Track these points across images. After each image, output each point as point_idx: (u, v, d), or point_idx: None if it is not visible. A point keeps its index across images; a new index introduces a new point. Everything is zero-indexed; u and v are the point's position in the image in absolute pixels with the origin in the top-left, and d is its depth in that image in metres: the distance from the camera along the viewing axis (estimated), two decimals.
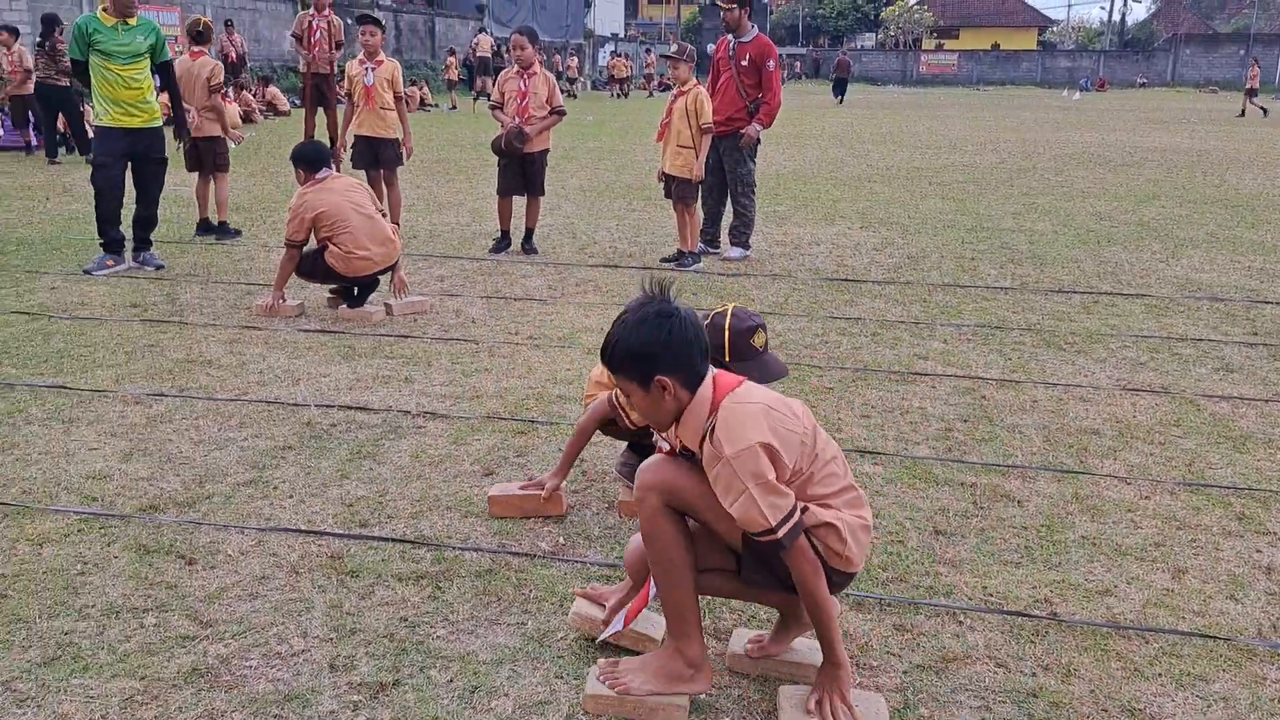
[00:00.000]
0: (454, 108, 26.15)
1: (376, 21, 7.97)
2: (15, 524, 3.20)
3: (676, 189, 7.22)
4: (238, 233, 8.23)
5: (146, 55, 6.78)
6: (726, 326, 2.83)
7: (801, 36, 70.30)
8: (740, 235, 7.77)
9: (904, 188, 12.01)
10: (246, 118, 19.11)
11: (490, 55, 29.61)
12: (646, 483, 2.27)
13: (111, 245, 6.94)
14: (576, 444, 3.30)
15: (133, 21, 6.70)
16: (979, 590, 2.93)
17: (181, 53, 8.28)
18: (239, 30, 22.60)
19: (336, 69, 10.37)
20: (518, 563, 3.01)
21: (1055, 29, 78.54)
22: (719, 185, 7.76)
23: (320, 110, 11.68)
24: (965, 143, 18.60)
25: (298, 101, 22.83)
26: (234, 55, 20.82)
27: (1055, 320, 5.96)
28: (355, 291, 5.88)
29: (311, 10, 9.93)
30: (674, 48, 7.30)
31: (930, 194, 11.47)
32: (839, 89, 34.41)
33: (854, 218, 9.75)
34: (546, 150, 7.77)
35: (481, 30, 33.01)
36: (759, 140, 7.62)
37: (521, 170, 7.61)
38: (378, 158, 7.99)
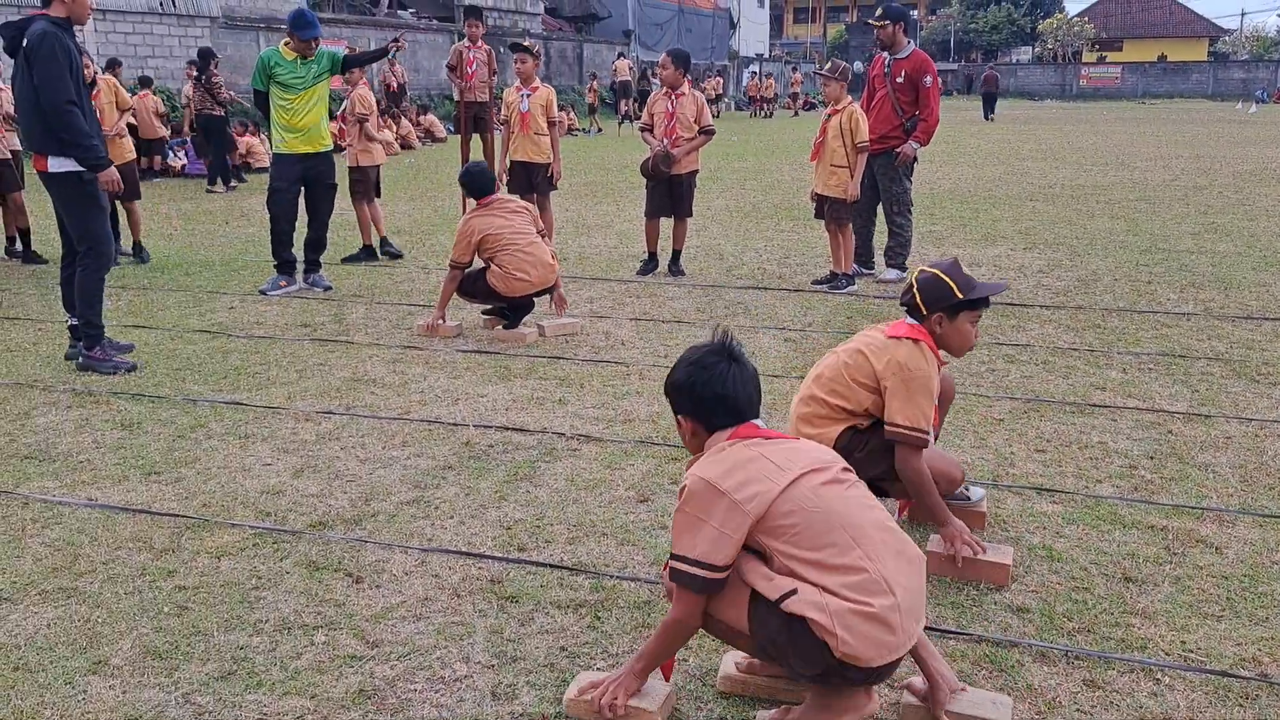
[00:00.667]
0: (599, 130, 26.56)
1: (527, 49, 8.13)
2: (196, 537, 3.34)
3: (830, 209, 7.06)
4: (399, 254, 8.52)
5: (324, 80, 7.04)
6: (941, 271, 3.11)
7: (954, 52, 68.51)
8: (896, 256, 7.54)
9: (1069, 206, 11.45)
10: (405, 144, 19.90)
11: (630, 79, 30.04)
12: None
13: (284, 267, 7.23)
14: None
15: (311, 58, 6.98)
16: (1177, 645, 2.69)
17: None
18: (400, 61, 23.58)
19: (494, 95, 10.65)
20: None
21: (1228, 39, 73.99)
22: (870, 205, 7.55)
23: (476, 136, 11.97)
24: (1133, 159, 17.64)
25: (453, 129, 23.67)
26: (395, 85, 21.73)
27: (1245, 349, 5.51)
28: (511, 312, 5.97)
29: (465, 42, 10.26)
30: (827, 65, 7.18)
31: (1098, 213, 10.90)
32: (988, 105, 33.61)
33: (1016, 238, 9.34)
34: (695, 171, 7.74)
35: (620, 55, 33.49)
36: (915, 159, 7.39)
37: (669, 192, 7.61)
38: (532, 182, 8.13)
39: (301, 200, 7.23)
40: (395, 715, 2.40)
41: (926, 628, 2.75)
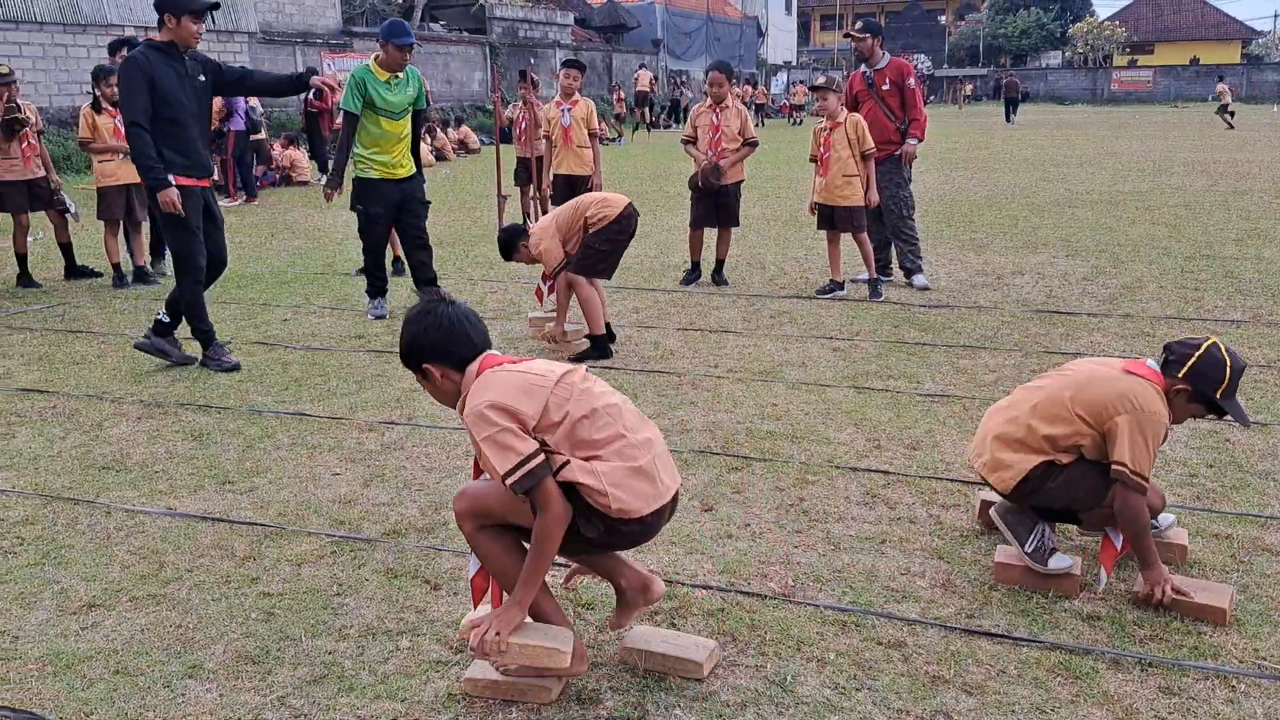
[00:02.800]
0: (616, 140, 26.69)
1: (580, 65, 8.23)
2: (275, 544, 3.43)
3: (852, 218, 7.14)
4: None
5: (410, 109, 6.66)
6: (1229, 364, 2.97)
7: (982, 57, 68.16)
8: (913, 259, 7.69)
9: (1108, 212, 11.40)
10: (440, 156, 20.10)
11: (649, 89, 30.27)
12: (459, 512, 2.55)
13: (378, 290, 6.92)
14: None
15: (401, 75, 6.56)
16: (1250, 653, 2.72)
17: None
18: (425, 74, 23.83)
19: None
20: (748, 603, 2.99)
21: (1261, 41, 73.09)
22: (876, 211, 7.64)
23: (531, 187, 11.87)
24: (1170, 164, 17.51)
25: (486, 140, 23.87)
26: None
27: None
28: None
29: (519, 103, 10.43)
30: (820, 79, 7.24)
31: (1139, 219, 10.85)
32: (1010, 109, 34.00)
33: (1057, 245, 9.32)
34: (740, 182, 7.82)
35: (641, 66, 33.66)
36: (915, 156, 7.61)
37: (716, 203, 7.68)
38: (575, 194, 8.21)
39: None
40: (484, 718, 2.47)
41: (999, 635, 2.80)
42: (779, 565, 3.23)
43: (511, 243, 5.90)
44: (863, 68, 7.61)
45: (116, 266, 8.05)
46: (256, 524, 3.59)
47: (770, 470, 4.01)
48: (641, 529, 2.46)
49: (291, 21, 23.09)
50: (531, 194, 10.45)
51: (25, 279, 8.05)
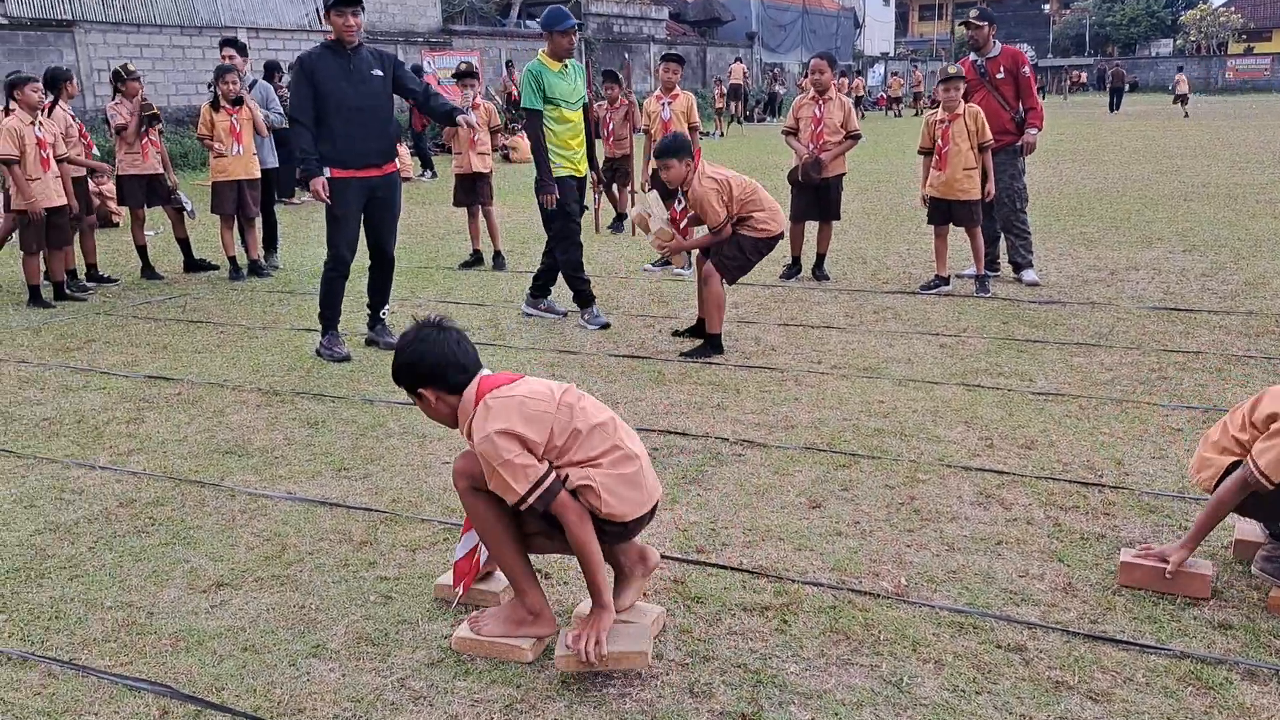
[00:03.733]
0: (721, 134, 26.57)
1: (679, 59, 8.22)
2: (390, 530, 3.52)
3: (971, 213, 6.97)
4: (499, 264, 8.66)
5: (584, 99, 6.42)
6: None
7: (1088, 46, 65.91)
8: (1024, 254, 7.50)
9: (1227, 206, 10.91)
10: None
11: (742, 82, 30.10)
12: (456, 471, 2.71)
13: (586, 296, 6.43)
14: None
15: (569, 66, 6.32)
16: None
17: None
18: (519, 70, 24.09)
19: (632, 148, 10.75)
20: (861, 601, 2.95)
21: None
22: (989, 207, 7.49)
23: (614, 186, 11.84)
24: None
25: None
26: (516, 94, 22.20)
27: None
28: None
29: (605, 103, 10.42)
30: (951, 68, 7.06)
31: (1260, 213, 10.35)
32: (1115, 99, 33.39)
33: (1173, 240, 8.96)
34: (842, 175, 7.71)
35: (737, 59, 33.47)
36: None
37: (817, 197, 7.60)
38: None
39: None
40: (599, 708, 2.49)
41: (1125, 642, 2.70)
42: (891, 564, 3.17)
43: (679, 150, 5.53)
44: (973, 56, 7.43)
45: (232, 260, 8.34)
46: (372, 510, 3.68)
47: (879, 468, 3.95)
48: (622, 531, 2.66)
49: (394, 20, 23.61)
50: (615, 191, 10.50)
51: (148, 270, 8.41)
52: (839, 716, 2.42)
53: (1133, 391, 4.81)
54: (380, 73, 5.66)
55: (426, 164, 17.17)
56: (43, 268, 7.42)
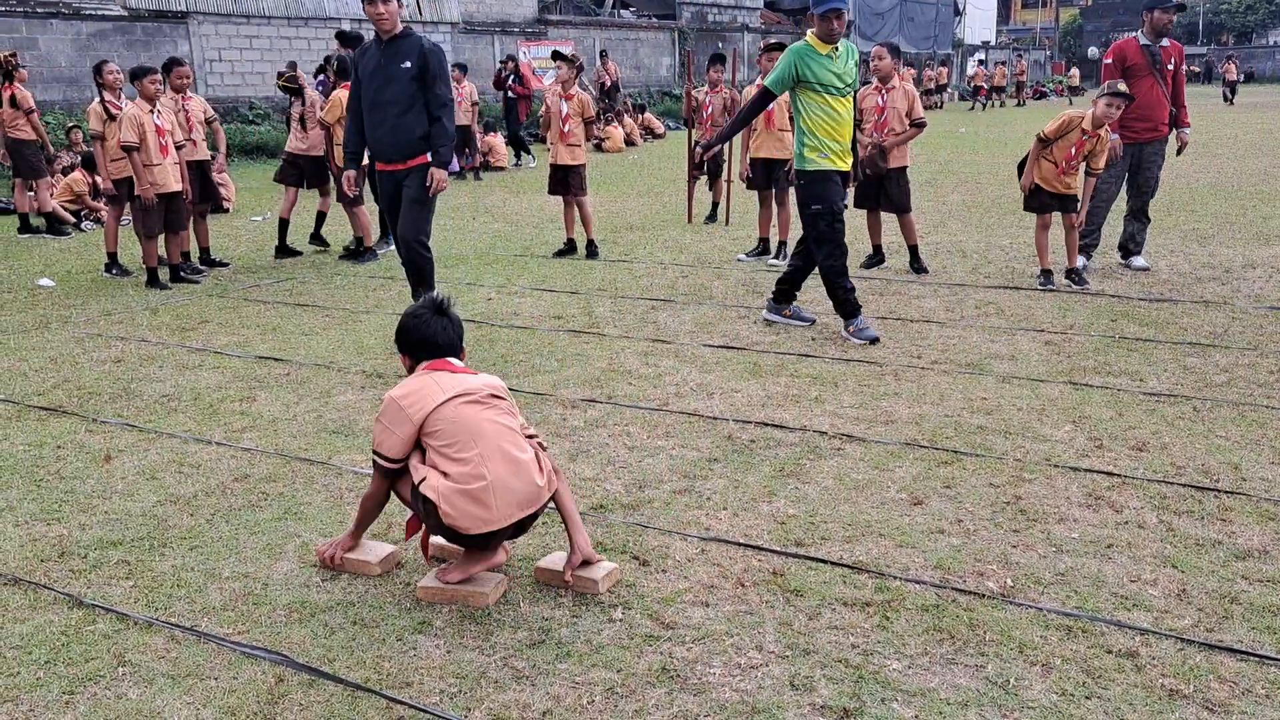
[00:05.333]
0: None
1: (781, 47, 8.13)
2: None
3: (1076, 202, 6.85)
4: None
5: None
6: None
7: (1201, 35, 63.17)
8: (1141, 243, 7.56)
9: None
10: (628, 141, 20.38)
11: None
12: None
13: (852, 306, 5.83)
14: None
15: (840, 49, 5.72)
16: None
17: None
18: (613, 59, 24.15)
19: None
20: (965, 600, 2.90)
21: None
22: (1116, 195, 7.54)
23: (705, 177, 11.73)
24: None
25: (673, 124, 24.04)
26: (608, 82, 22.28)
27: None
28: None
29: (705, 88, 10.38)
30: (1120, 85, 6.77)
31: None
32: (1230, 89, 32.84)
33: None
34: (905, 167, 7.51)
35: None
36: None
37: (881, 187, 7.49)
38: (771, 178, 8.16)
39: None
40: (698, 696, 2.50)
41: (1243, 653, 2.61)
42: (996, 564, 3.11)
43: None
44: (1145, 41, 7.27)
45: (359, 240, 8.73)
46: None
47: (982, 466, 3.87)
48: (474, 541, 2.93)
49: (491, 11, 23.92)
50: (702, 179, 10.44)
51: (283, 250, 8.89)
52: (944, 715, 2.39)
53: (1250, 394, 4.61)
54: (408, 65, 5.50)
55: (524, 149, 17.31)
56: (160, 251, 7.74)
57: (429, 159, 5.60)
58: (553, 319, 6.47)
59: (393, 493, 3.09)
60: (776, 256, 8.15)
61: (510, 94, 16.99)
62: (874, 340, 5.67)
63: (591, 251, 8.65)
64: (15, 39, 15.59)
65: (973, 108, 35.01)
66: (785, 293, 6.17)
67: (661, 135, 22.88)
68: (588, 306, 6.80)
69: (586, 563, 3.02)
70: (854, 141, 5.96)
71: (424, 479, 2.88)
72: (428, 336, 3.07)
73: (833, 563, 3.13)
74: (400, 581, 3.09)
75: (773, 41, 8.36)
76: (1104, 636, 2.71)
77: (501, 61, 18.07)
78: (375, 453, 3.00)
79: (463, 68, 15.57)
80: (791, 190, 8.25)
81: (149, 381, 5.21)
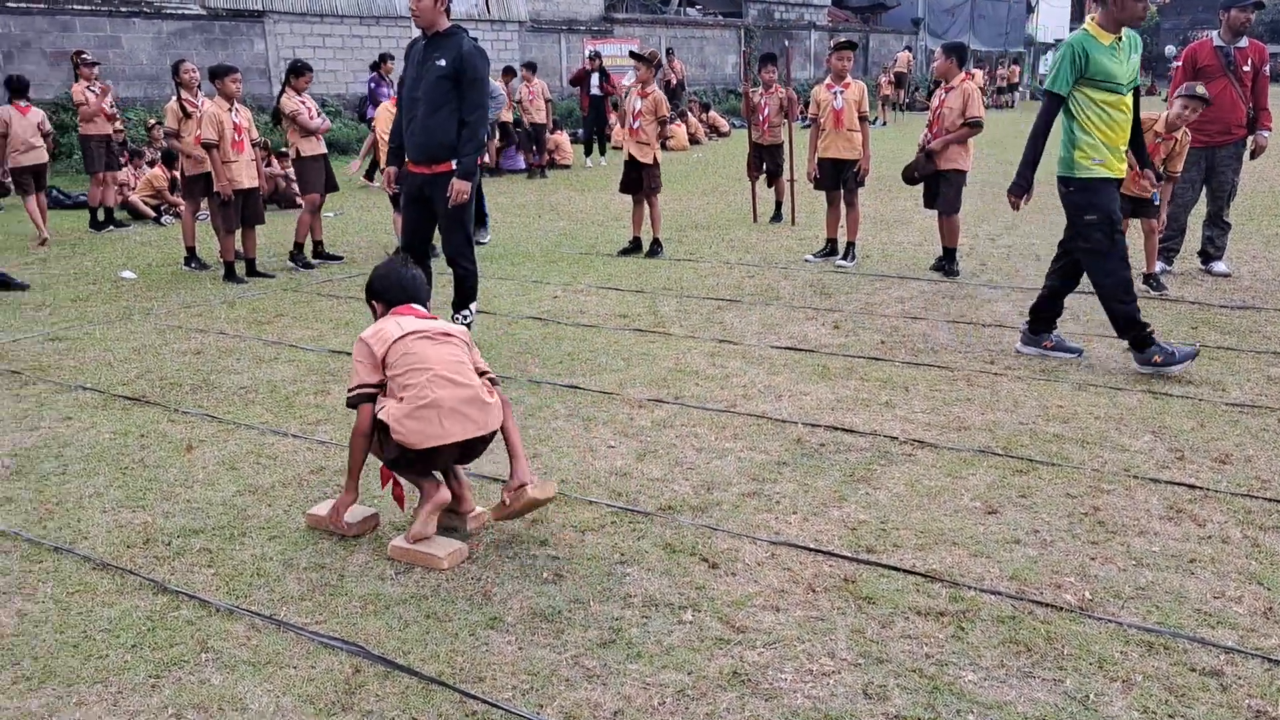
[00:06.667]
0: (884, 123, 25.94)
1: (853, 45, 8.08)
2: (559, 510, 3.60)
3: (1155, 206, 6.65)
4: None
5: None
6: None
7: None
8: (1222, 248, 7.40)
9: None
10: (693, 139, 20.35)
11: (906, 70, 29.28)
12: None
13: (1139, 334, 5.08)
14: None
15: (1124, 39, 4.92)
16: None
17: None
18: (679, 57, 24.10)
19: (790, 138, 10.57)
20: (1042, 613, 2.85)
21: None
22: (1195, 199, 7.40)
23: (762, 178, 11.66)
24: None
25: (737, 123, 23.94)
26: (674, 80, 22.23)
27: None
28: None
29: (760, 89, 10.32)
30: (1198, 88, 6.58)
31: None
32: None
33: None
34: (958, 170, 7.37)
35: (906, 47, 32.55)
36: None
37: (935, 187, 7.44)
38: (839, 179, 8.09)
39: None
40: (769, 701, 2.49)
41: None
42: (1074, 577, 3.05)
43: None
44: (1218, 41, 7.14)
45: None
46: None
47: (1059, 475, 3.79)
48: (419, 456, 3.23)
49: (558, 10, 24.04)
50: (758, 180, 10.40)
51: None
52: None
53: None
54: (443, 63, 5.32)
55: (599, 149, 17.37)
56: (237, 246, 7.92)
57: (454, 166, 5.39)
58: (618, 317, 6.49)
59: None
60: (844, 258, 8.08)
61: (599, 92, 17.04)
62: (1190, 357, 4.93)
63: (654, 250, 8.65)
64: (100, 37, 16.08)
65: (1011, 105, 34.26)
66: (1044, 320, 5.44)
67: (726, 134, 22.78)
68: (653, 305, 6.81)
69: (523, 486, 3.32)
70: (1139, 139, 5.37)
71: (382, 408, 3.25)
72: (394, 283, 3.46)
73: (905, 570, 3.10)
74: (471, 577, 3.13)
75: (843, 40, 8.29)
76: (1187, 654, 2.64)
77: (589, 57, 18.14)
78: (350, 389, 3.31)
79: (531, 66, 15.67)
80: (859, 191, 8.22)
81: (227, 373, 5.34)
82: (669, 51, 23.75)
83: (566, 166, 16.43)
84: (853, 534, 3.36)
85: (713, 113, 23.48)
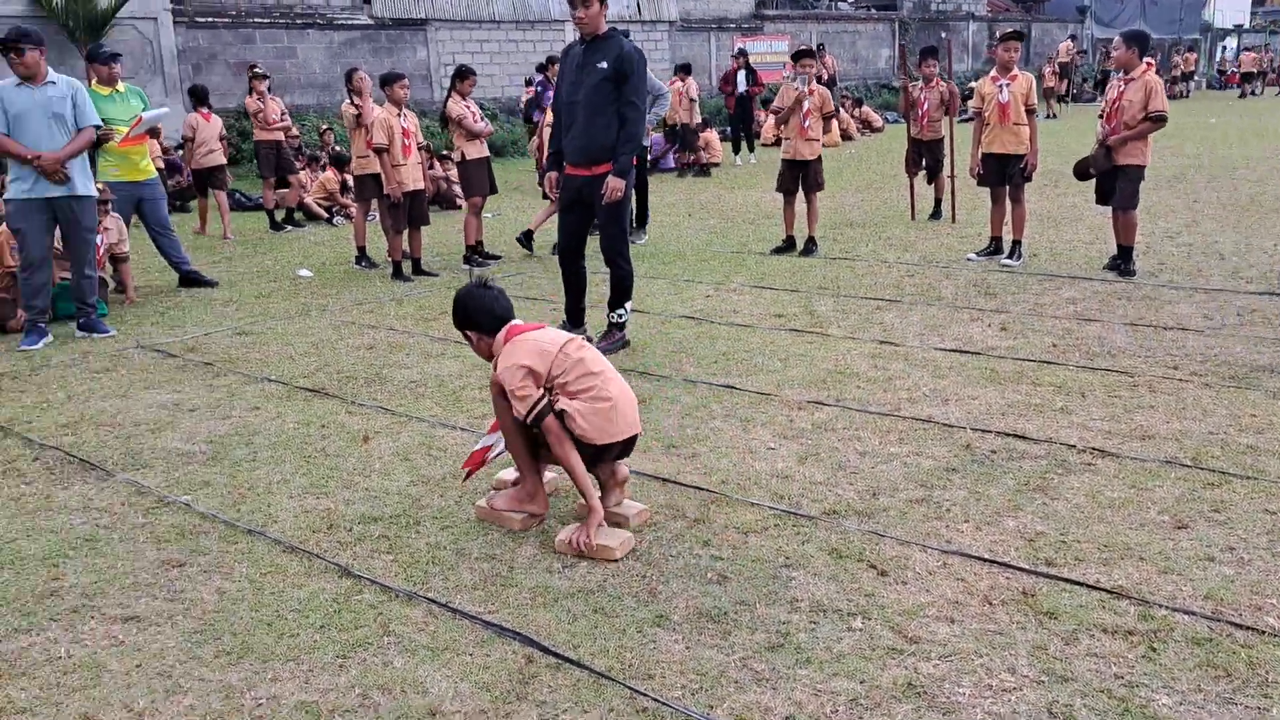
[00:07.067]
0: (1052, 116, 24.83)
1: (1020, 35, 7.77)
2: (720, 510, 3.60)
3: None
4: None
5: None
6: None
7: None
8: None
9: None
10: (845, 135, 20.01)
11: (1070, 60, 27.88)
12: (493, 381, 3.45)
13: None
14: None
15: None
16: None
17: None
18: (830, 52, 23.70)
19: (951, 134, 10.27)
20: (1242, 636, 2.67)
21: None
22: None
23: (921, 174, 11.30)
24: None
25: (890, 118, 23.40)
26: (825, 76, 21.85)
27: None
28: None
29: (920, 83, 10.05)
30: None
31: None
32: None
33: None
34: (1137, 165, 6.97)
35: (1071, 36, 31.06)
36: None
37: (1110, 182, 7.04)
38: (1005, 174, 7.79)
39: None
40: (947, 715, 2.41)
41: None
42: (1276, 598, 2.84)
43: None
44: None
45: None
46: (701, 489, 3.78)
47: (1256, 490, 3.54)
48: (595, 452, 3.37)
49: (709, 8, 24.05)
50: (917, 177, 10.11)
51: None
52: None
53: None
54: (604, 65, 5.38)
55: (749, 147, 17.31)
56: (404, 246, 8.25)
57: (610, 167, 5.46)
58: (773, 317, 6.43)
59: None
60: (1010, 256, 7.77)
61: (746, 92, 16.99)
62: None
63: (809, 249, 8.55)
64: (278, 48, 17.04)
65: (1243, 95, 32.11)
66: None
67: (879, 129, 22.31)
68: (809, 305, 6.72)
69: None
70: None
71: (557, 400, 3.35)
72: (488, 307, 3.52)
73: (1090, 586, 2.95)
74: (635, 574, 3.16)
75: (1009, 30, 7.97)
76: None
77: (734, 56, 18.11)
78: (530, 408, 3.31)
79: (686, 68, 15.72)
80: (1026, 187, 7.90)
81: (398, 368, 5.56)
82: (820, 47, 23.39)
83: (715, 165, 16.41)
84: (1030, 545, 3.23)
85: (865, 108, 23.03)
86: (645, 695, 2.53)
